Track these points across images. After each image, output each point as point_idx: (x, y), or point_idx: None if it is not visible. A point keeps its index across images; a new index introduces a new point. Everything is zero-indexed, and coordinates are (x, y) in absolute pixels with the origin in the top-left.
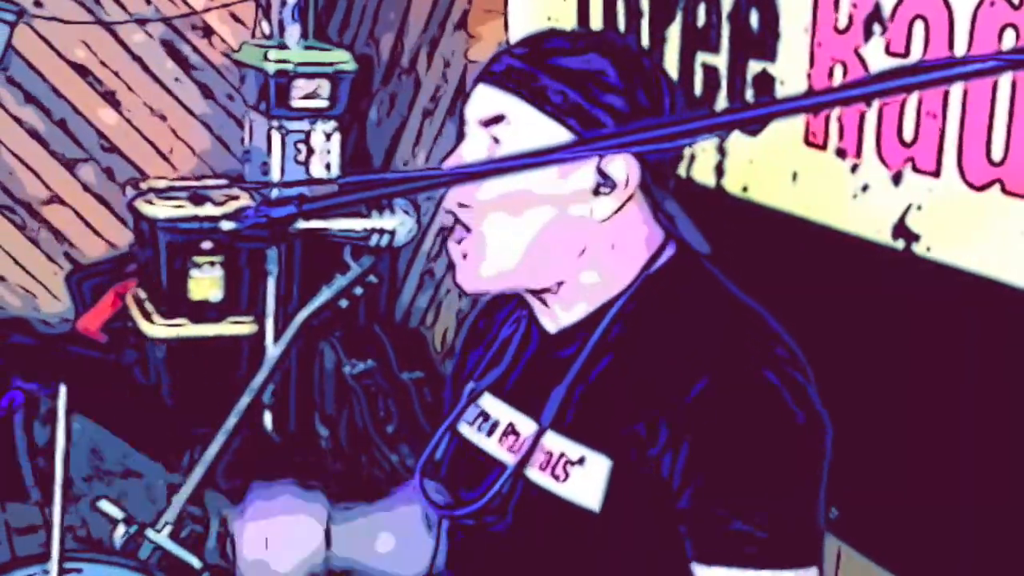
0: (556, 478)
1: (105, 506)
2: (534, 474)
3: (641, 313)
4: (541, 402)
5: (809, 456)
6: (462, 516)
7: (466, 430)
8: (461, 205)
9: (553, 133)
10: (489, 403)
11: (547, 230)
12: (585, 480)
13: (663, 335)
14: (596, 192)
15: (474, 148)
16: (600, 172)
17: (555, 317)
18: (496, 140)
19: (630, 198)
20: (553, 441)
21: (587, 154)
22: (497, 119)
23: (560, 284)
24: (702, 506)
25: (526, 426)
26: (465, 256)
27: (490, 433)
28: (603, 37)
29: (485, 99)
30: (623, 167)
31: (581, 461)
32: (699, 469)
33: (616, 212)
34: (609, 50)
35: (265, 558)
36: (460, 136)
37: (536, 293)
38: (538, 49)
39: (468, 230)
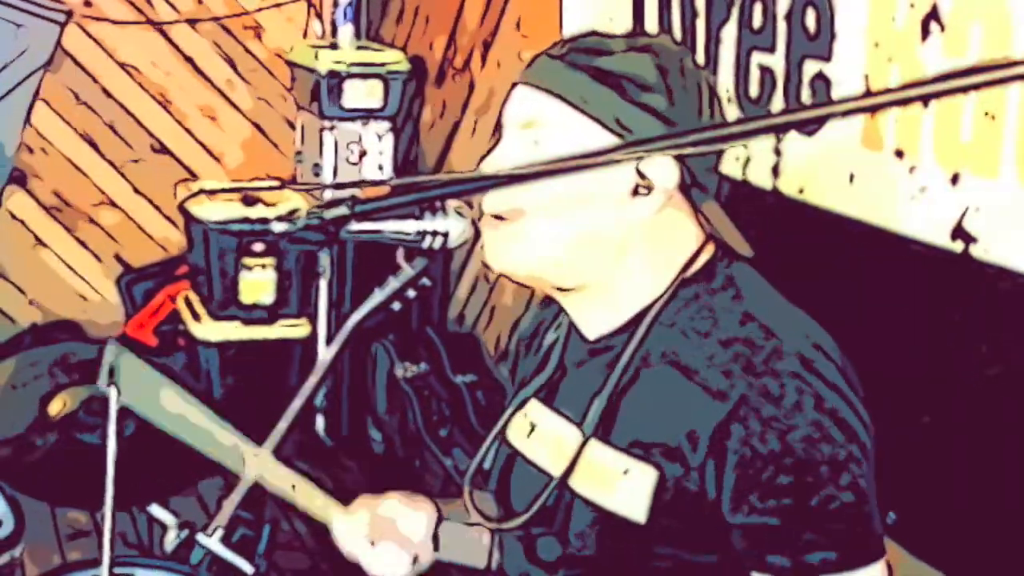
0: (602, 489)
1: (156, 511)
2: (579, 485)
3: (678, 318)
4: (584, 410)
5: (852, 458)
6: (511, 529)
7: (514, 439)
8: (500, 206)
9: (592, 134)
10: (536, 411)
11: (585, 229)
12: (630, 491)
13: (701, 341)
14: (635, 193)
15: (512, 150)
16: (639, 173)
17: (595, 322)
18: (535, 142)
19: (669, 199)
20: (598, 451)
21: (641, 155)
22: (536, 121)
23: (597, 286)
24: (752, 518)
25: (571, 435)
26: (500, 237)
27: (537, 442)
28: (644, 38)
29: (524, 101)
30: (662, 169)
31: (626, 472)
32: (742, 480)
33: (655, 213)
34: (649, 51)
35: (376, 550)
36: (497, 138)
37: (567, 292)
38: (577, 51)
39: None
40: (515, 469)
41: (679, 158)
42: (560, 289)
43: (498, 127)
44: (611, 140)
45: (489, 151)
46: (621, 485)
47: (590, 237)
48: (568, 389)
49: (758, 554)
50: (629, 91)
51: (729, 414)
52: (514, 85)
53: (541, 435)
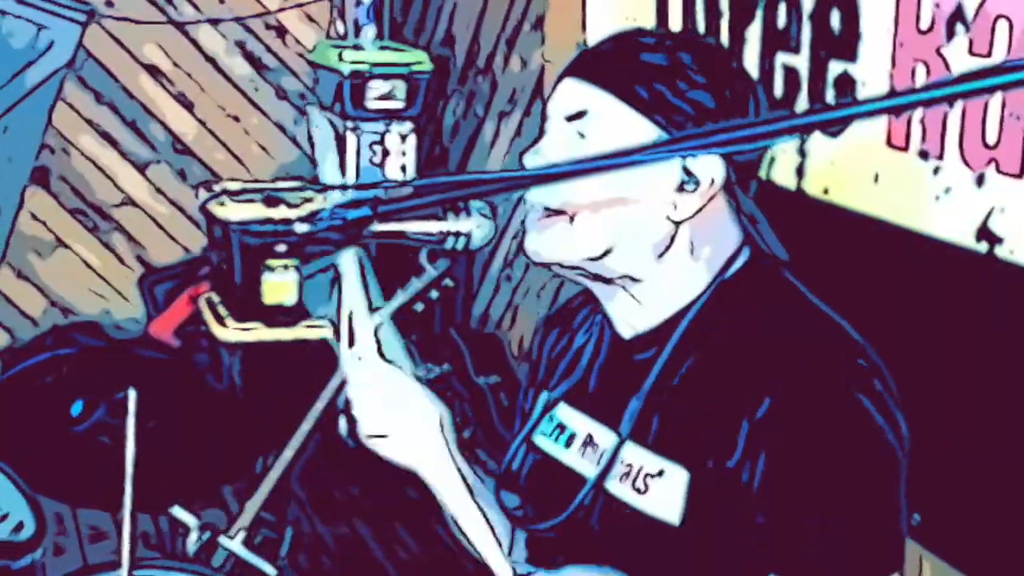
0: (637, 491)
1: (178, 513)
2: (614, 487)
3: (717, 319)
4: (618, 411)
5: (885, 465)
6: (544, 530)
7: (542, 442)
8: (548, 199)
9: (639, 128)
10: (565, 413)
11: (629, 224)
12: (665, 493)
13: (739, 343)
14: (680, 190)
15: (557, 143)
16: (685, 170)
17: (631, 321)
18: (581, 135)
19: (712, 198)
20: (632, 453)
21: (671, 154)
22: (582, 113)
23: (636, 281)
24: (779, 518)
25: (604, 437)
26: (542, 227)
27: (568, 444)
28: (688, 36)
29: (570, 93)
30: (709, 166)
31: (660, 474)
32: (776, 481)
33: (698, 212)
34: (695, 48)
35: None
36: (542, 132)
37: (607, 283)
38: (625, 45)
39: (551, 213)
40: (546, 472)
41: (725, 156)
42: (600, 279)
43: (543, 120)
44: (657, 134)
45: (533, 143)
46: (656, 486)
47: (634, 231)
48: (601, 390)
49: (775, 552)
50: (677, 86)
51: (767, 415)
52: (560, 78)
53: (572, 437)
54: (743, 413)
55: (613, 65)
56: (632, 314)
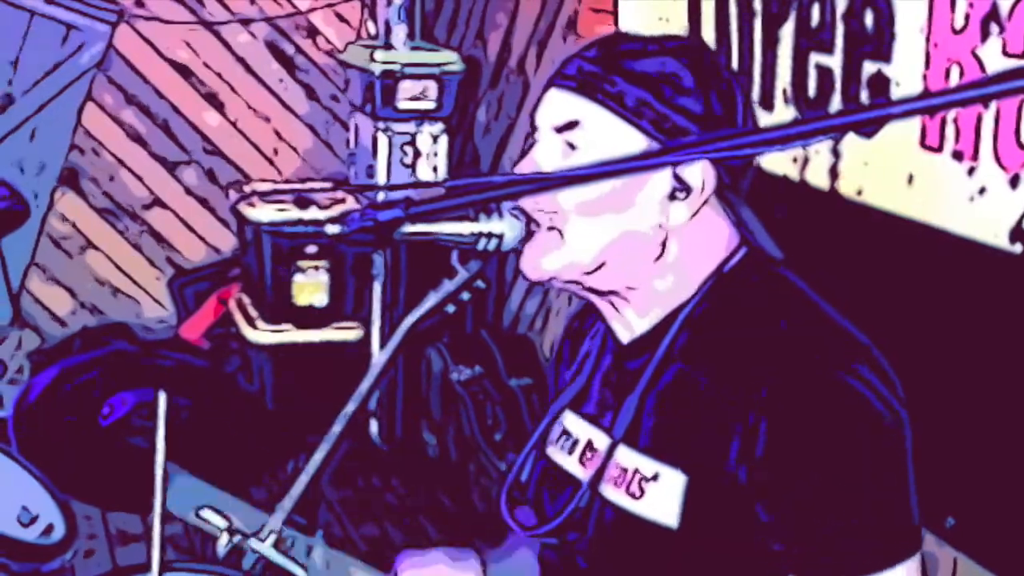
0: (632, 496)
1: (208, 515)
2: (610, 492)
3: (710, 318)
4: (616, 416)
5: (887, 448)
6: (542, 535)
7: (551, 450)
8: (539, 210)
9: (629, 138)
10: (570, 421)
11: (622, 234)
12: (661, 497)
13: (733, 340)
14: (672, 198)
15: (549, 153)
16: (677, 178)
17: (628, 326)
18: (571, 146)
19: (705, 203)
20: (627, 457)
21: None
22: (572, 124)
23: (632, 290)
24: (791, 518)
25: (603, 442)
26: (535, 243)
27: (571, 451)
28: (674, 40)
29: (559, 104)
30: (699, 172)
31: (656, 477)
32: (775, 480)
33: (691, 217)
34: (681, 52)
35: None
36: (531, 140)
37: (604, 295)
38: (611, 53)
39: (544, 226)
40: (550, 479)
41: (715, 161)
42: (596, 292)
43: (532, 129)
44: (646, 143)
45: (524, 153)
46: (651, 490)
47: (627, 242)
48: (600, 395)
49: (793, 554)
50: (663, 93)
51: (761, 414)
52: (547, 87)
53: (575, 444)
54: (738, 410)
55: (599, 75)
56: (629, 320)
